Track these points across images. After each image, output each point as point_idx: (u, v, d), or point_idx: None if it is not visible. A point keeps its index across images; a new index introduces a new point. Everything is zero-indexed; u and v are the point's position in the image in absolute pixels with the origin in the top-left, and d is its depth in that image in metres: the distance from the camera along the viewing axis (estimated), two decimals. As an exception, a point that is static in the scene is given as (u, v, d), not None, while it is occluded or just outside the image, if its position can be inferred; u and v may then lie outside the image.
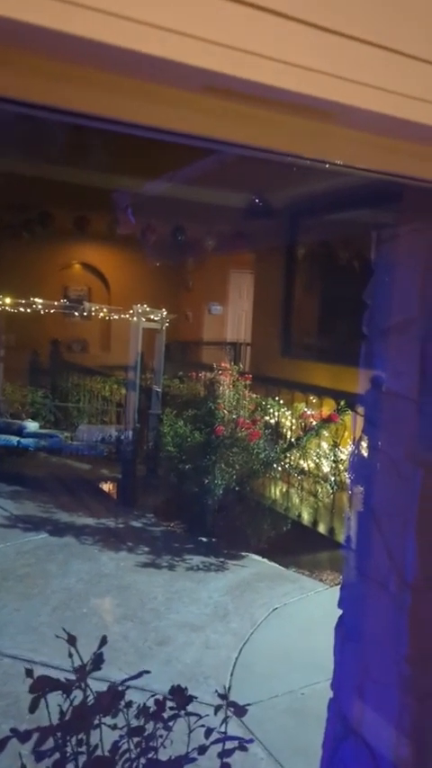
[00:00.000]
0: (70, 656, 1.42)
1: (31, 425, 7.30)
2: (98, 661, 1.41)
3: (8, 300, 7.27)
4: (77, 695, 1.45)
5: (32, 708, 1.38)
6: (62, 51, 0.56)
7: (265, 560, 5.12)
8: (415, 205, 1.49)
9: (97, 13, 0.52)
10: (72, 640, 1.42)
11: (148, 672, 1.66)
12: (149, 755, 1.43)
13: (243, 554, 5.16)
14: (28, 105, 0.59)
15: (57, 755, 1.38)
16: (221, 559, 5.03)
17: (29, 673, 1.43)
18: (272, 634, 3.94)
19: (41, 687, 1.33)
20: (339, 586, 2.13)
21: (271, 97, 0.63)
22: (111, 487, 6.87)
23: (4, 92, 0.56)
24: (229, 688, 1.77)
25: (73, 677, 1.52)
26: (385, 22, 0.67)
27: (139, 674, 1.53)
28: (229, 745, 1.67)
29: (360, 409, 2.08)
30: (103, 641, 1.47)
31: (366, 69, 0.66)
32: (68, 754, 1.38)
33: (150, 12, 0.55)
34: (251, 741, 1.78)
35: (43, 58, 0.57)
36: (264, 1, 0.59)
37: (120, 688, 1.43)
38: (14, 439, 7.00)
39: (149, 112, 0.64)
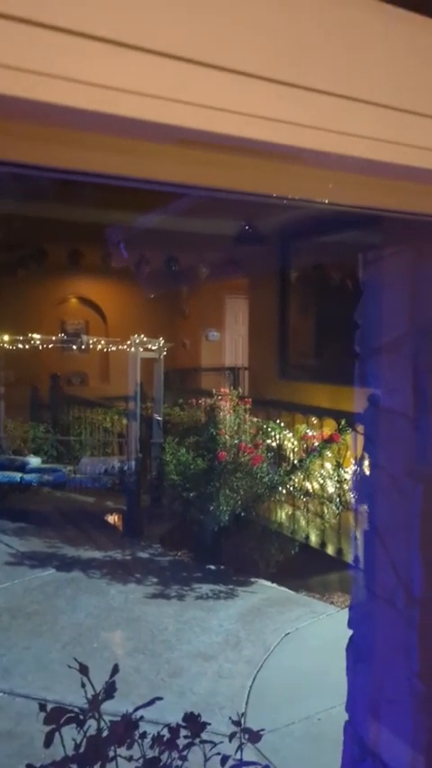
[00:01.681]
0: (83, 686, 1.42)
1: (34, 461, 7.30)
2: (110, 690, 1.41)
3: (6, 337, 7.33)
4: (91, 728, 1.45)
5: (47, 742, 1.37)
6: (45, 117, 0.61)
7: (274, 585, 5.08)
8: (397, 228, 1.54)
9: (78, 84, 0.57)
10: (84, 670, 1.42)
11: (160, 698, 1.66)
12: (166, 786, 1.42)
13: (252, 580, 5.13)
14: (19, 166, 0.64)
15: (73, 791, 1.38)
16: (231, 586, 5.00)
17: (42, 707, 1.43)
18: (285, 660, 3.90)
19: (56, 719, 1.34)
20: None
21: (240, 145, 0.68)
22: (116, 519, 6.85)
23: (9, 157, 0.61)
24: (244, 715, 1.76)
25: (83, 710, 1.52)
26: (340, 71, 0.72)
27: (152, 701, 1.53)
28: (246, 772, 1.65)
29: (360, 428, 2.11)
30: (115, 669, 1.47)
31: (326, 115, 0.71)
32: (85, 789, 1.37)
33: (125, 78, 0.60)
34: (267, 767, 1.76)
35: (31, 125, 0.62)
36: (228, 62, 0.65)
37: (133, 718, 1.43)
38: (17, 475, 7.00)
39: (129, 165, 0.69)
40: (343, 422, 5.31)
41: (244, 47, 0.65)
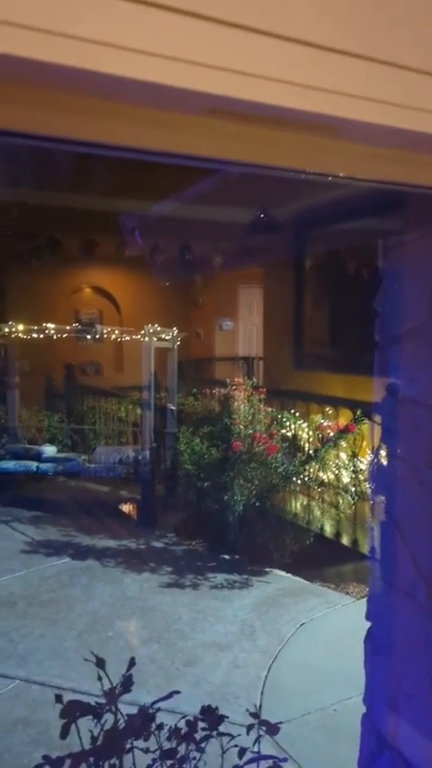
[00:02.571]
0: (99, 679, 1.41)
1: (49, 450, 7.33)
2: (128, 683, 1.40)
3: (21, 327, 7.35)
4: (108, 719, 1.44)
5: (63, 734, 1.37)
6: (70, 84, 0.57)
7: (289, 575, 5.07)
8: (421, 212, 1.49)
9: (103, 47, 0.54)
10: (101, 663, 1.41)
11: (178, 692, 1.65)
12: (183, 778, 1.41)
13: (267, 570, 5.12)
14: (35, 138, 0.61)
15: (90, 782, 1.37)
16: (245, 576, 4.99)
17: (58, 698, 1.42)
18: (300, 650, 3.89)
19: (72, 712, 1.33)
20: (366, 599, 2.10)
21: (273, 116, 0.64)
22: (130, 508, 6.87)
23: (14, 126, 0.58)
24: (260, 707, 1.75)
25: (102, 701, 1.51)
26: (381, 36, 0.68)
27: (170, 695, 1.52)
28: (264, 764, 1.64)
29: (377, 418, 2.07)
30: (132, 663, 1.46)
31: (365, 83, 0.67)
32: (102, 780, 1.37)
33: (151, 40, 0.56)
34: (285, 760, 1.75)
35: (51, 91, 0.58)
36: (261, 23, 0.61)
37: (150, 710, 1.42)
38: (33, 464, 7.04)
39: (154, 137, 0.65)
40: (359, 412, 5.26)
41: (278, 6, 0.61)
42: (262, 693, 3.39)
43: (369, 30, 0.67)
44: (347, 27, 0.65)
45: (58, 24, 0.52)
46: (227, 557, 5.38)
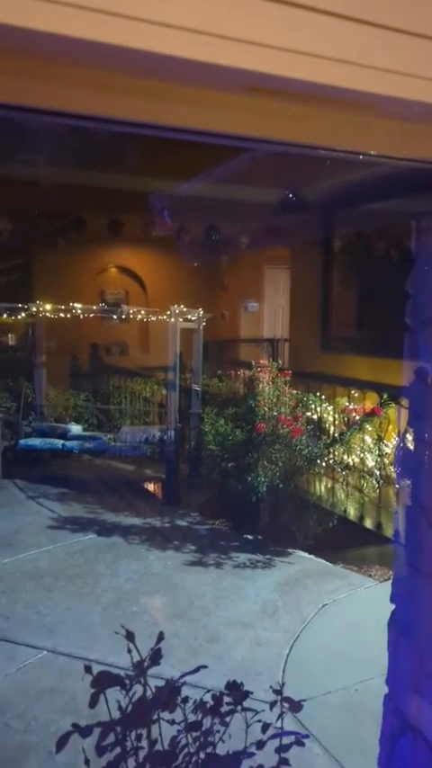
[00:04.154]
0: (129, 651, 1.45)
1: (75, 428, 7.43)
2: (156, 657, 1.43)
3: (48, 307, 7.41)
4: (135, 691, 1.48)
5: (92, 703, 1.41)
6: (113, 62, 0.57)
7: (311, 557, 5.09)
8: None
9: (140, 23, 0.53)
10: (131, 636, 1.44)
11: (205, 667, 1.68)
12: (208, 750, 1.44)
13: (289, 551, 5.15)
14: (80, 117, 0.61)
15: (118, 750, 1.41)
16: (268, 556, 5.03)
17: (88, 669, 1.46)
18: (322, 631, 3.92)
19: (102, 682, 1.36)
20: (389, 582, 2.10)
21: (311, 93, 0.63)
22: (155, 487, 6.95)
23: (55, 105, 0.58)
24: (282, 685, 1.77)
25: (127, 673, 1.55)
26: (419, 9, 0.66)
27: (197, 669, 1.55)
28: (286, 740, 1.67)
29: (404, 402, 2.05)
30: (161, 637, 1.49)
31: (403, 58, 0.65)
32: (129, 749, 1.41)
33: (192, 18, 0.55)
34: (307, 736, 1.78)
35: (88, 70, 0.58)
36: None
37: (177, 683, 1.45)
38: (59, 442, 7.15)
39: (196, 117, 0.65)
40: (385, 395, 5.22)
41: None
42: (284, 671, 3.43)
43: (410, 2, 0.65)
44: (385, 0, 0.64)
45: (103, 3, 0.51)
46: (250, 537, 5.42)
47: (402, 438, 2.05)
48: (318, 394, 5.94)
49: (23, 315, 7.56)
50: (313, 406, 5.87)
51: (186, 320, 6.86)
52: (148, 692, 1.43)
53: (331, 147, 0.73)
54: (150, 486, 7.04)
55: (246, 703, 1.67)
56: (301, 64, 0.60)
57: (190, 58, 0.55)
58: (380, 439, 5.38)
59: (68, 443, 7.15)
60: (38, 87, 0.56)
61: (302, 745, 1.61)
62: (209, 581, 4.54)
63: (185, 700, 1.57)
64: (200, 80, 0.61)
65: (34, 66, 0.55)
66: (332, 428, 5.88)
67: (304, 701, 1.75)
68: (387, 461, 5.30)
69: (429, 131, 0.75)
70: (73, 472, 7.23)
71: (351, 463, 5.63)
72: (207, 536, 5.49)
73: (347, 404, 5.75)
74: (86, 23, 0.51)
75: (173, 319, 6.64)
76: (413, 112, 0.72)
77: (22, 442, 7.13)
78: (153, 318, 7.63)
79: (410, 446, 1.98)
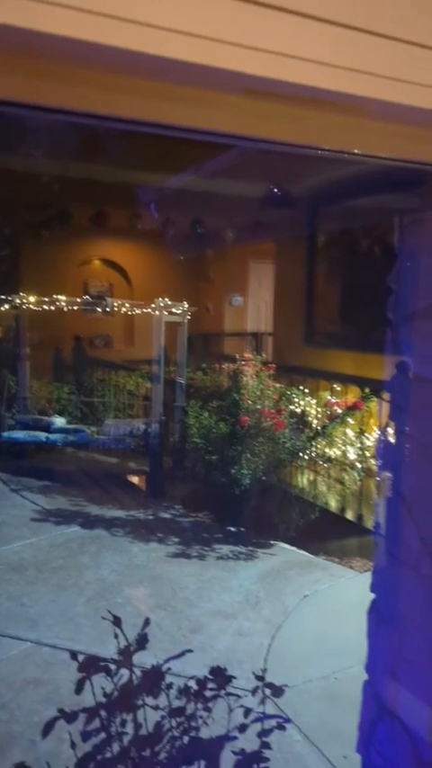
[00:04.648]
0: (116, 636, 1.47)
1: (59, 421, 7.41)
2: (143, 641, 1.46)
3: (32, 299, 7.37)
4: (120, 677, 1.51)
5: (78, 689, 1.43)
6: (113, 63, 0.59)
7: (294, 548, 5.15)
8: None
9: (142, 27, 0.55)
10: (117, 622, 1.47)
11: (190, 651, 1.71)
12: (191, 734, 1.48)
13: (272, 542, 5.21)
14: (81, 115, 0.63)
15: (103, 735, 1.44)
16: (251, 548, 5.08)
17: (74, 656, 1.48)
18: (304, 621, 3.97)
19: (88, 668, 1.39)
20: (369, 572, 2.15)
21: (305, 95, 0.66)
22: (139, 480, 6.96)
23: (56, 102, 0.60)
24: (265, 671, 1.81)
25: (113, 659, 1.57)
26: (410, 17, 0.69)
27: (182, 653, 1.58)
28: (268, 725, 1.71)
29: (386, 395, 2.09)
30: (147, 622, 1.52)
31: (392, 63, 0.68)
32: (114, 734, 1.43)
33: (189, 22, 0.58)
34: (289, 720, 1.82)
35: (96, 71, 0.60)
36: (293, 4, 0.62)
37: (162, 668, 1.49)
38: (43, 435, 7.13)
39: (192, 115, 0.67)
40: (367, 389, 5.28)
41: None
42: (266, 661, 3.48)
43: (398, 11, 0.68)
44: (378, 8, 0.66)
45: (104, 6, 0.53)
46: (233, 529, 5.46)
47: (384, 431, 2.10)
48: (301, 387, 6.00)
49: (7, 307, 7.51)
50: (296, 400, 5.92)
51: (171, 313, 6.87)
52: (134, 678, 1.46)
53: (324, 147, 0.76)
54: (134, 479, 7.05)
55: (229, 689, 1.71)
56: (295, 68, 0.63)
57: (187, 61, 0.58)
58: (361, 432, 5.45)
59: (52, 436, 7.13)
60: (39, 85, 0.58)
61: (284, 729, 1.65)
62: (192, 572, 4.58)
63: (170, 686, 1.60)
64: (196, 81, 0.63)
65: (36, 65, 0.57)
66: (315, 421, 5.95)
67: (285, 685, 1.79)
68: (368, 454, 5.37)
69: (418, 133, 0.79)
70: (56, 465, 7.21)
71: (333, 456, 5.70)
72: (190, 528, 5.53)
73: (330, 397, 5.81)
74: (88, 26, 0.53)
75: (157, 312, 6.65)
76: (403, 115, 0.75)
77: (5, 434, 7.10)
78: (137, 311, 7.62)
79: (391, 439, 2.03)
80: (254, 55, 0.60)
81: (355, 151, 0.78)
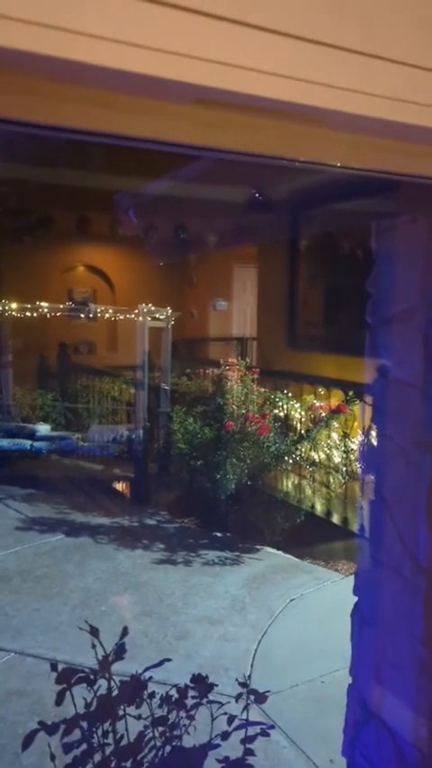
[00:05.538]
0: (93, 647, 1.46)
1: (43, 428, 7.35)
2: (120, 651, 1.44)
3: (14, 305, 7.32)
4: (101, 686, 1.49)
5: (59, 701, 1.42)
6: (61, 74, 0.59)
7: (279, 552, 5.15)
8: (412, 196, 1.51)
9: (93, 39, 0.55)
10: (95, 632, 1.46)
11: (169, 660, 1.70)
12: (174, 743, 1.46)
13: (258, 547, 5.20)
14: (32, 126, 0.62)
15: (84, 746, 1.42)
16: (237, 553, 5.07)
17: (54, 666, 1.47)
18: (290, 625, 3.97)
19: (68, 678, 1.37)
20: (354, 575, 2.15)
21: (258, 106, 0.66)
22: (124, 486, 6.92)
23: (10, 114, 0.59)
24: (249, 677, 1.81)
25: (93, 669, 1.56)
26: (366, 29, 0.69)
27: (161, 663, 1.57)
28: (252, 731, 1.70)
29: (368, 398, 2.10)
30: (125, 632, 1.51)
31: (351, 75, 0.68)
32: (96, 745, 1.42)
33: (139, 33, 0.58)
34: (272, 727, 1.81)
35: (44, 81, 0.60)
36: (247, 17, 0.62)
37: (142, 678, 1.47)
38: (27, 443, 7.07)
39: (144, 125, 0.67)
40: (350, 393, 5.31)
41: (264, 0, 0.62)
42: (252, 666, 3.47)
43: (354, 23, 0.68)
44: (332, 20, 0.67)
45: (54, 18, 0.53)
46: (219, 534, 5.45)
47: (367, 434, 2.10)
48: (285, 392, 6.01)
49: (-12, 313, 7.45)
50: (281, 404, 5.93)
51: (155, 319, 6.86)
52: (114, 688, 1.45)
53: (283, 156, 0.76)
54: (119, 486, 7.01)
55: (212, 696, 1.70)
56: (247, 79, 0.63)
57: (136, 72, 0.58)
58: (345, 435, 5.48)
59: (36, 443, 7.07)
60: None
61: (267, 735, 1.64)
62: (178, 579, 4.56)
63: (152, 695, 1.59)
64: (147, 91, 0.63)
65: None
66: (299, 425, 5.96)
67: (268, 692, 1.79)
68: (353, 457, 5.39)
69: (378, 143, 0.79)
70: (41, 472, 7.15)
71: (318, 459, 5.71)
72: (176, 534, 5.51)
73: (314, 401, 5.83)
74: (33, 36, 0.53)
75: (141, 318, 6.63)
76: (364, 126, 0.76)
77: (-12, 442, 7.03)
78: (121, 317, 7.60)
79: (374, 442, 2.03)
80: (203, 66, 0.60)
81: (319, 161, 0.78)
